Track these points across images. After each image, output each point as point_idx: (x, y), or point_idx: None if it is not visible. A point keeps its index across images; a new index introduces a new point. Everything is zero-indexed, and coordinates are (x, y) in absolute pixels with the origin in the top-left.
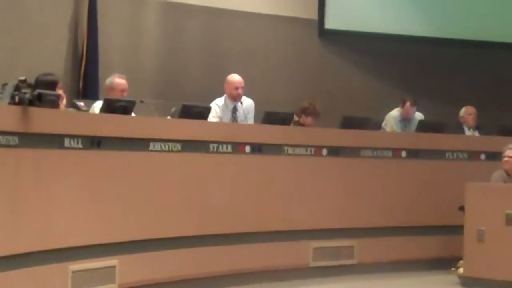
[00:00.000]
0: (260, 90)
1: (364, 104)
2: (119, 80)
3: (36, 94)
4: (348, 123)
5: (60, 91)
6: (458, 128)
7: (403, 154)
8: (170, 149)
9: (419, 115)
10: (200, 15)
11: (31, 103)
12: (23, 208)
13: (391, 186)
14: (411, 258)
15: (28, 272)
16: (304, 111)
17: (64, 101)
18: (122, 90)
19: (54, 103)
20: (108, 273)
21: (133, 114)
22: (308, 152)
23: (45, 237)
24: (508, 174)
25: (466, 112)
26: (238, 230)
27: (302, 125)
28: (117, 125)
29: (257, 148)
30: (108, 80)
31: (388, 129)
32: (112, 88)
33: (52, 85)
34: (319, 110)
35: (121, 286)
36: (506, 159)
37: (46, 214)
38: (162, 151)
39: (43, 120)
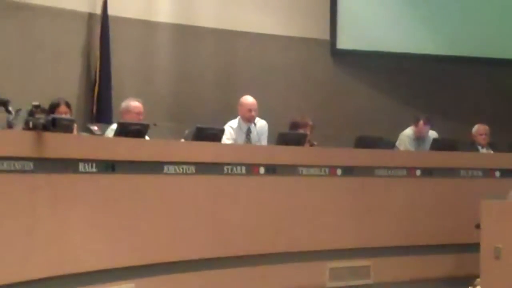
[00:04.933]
0: (273, 111)
1: (378, 124)
2: (134, 103)
3: (50, 119)
4: (362, 142)
5: (64, 113)
6: (471, 145)
7: (418, 173)
8: (184, 171)
9: (433, 134)
10: (212, 37)
11: (45, 128)
12: (38, 234)
13: (406, 205)
14: (427, 277)
15: None
16: (296, 126)
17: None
18: (138, 113)
19: (68, 128)
20: None
21: (147, 137)
22: (323, 172)
23: (61, 262)
24: None
25: (477, 132)
26: (253, 252)
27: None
28: (131, 149)
29: (272, 169)
30: (124, 104)
31: (402, 148)
32: (128, 111)
33: (52, 108)
34: (311, 122)
35: None
36: None
37: (62, 239)
38: (176, 173)
39: (57, 145)
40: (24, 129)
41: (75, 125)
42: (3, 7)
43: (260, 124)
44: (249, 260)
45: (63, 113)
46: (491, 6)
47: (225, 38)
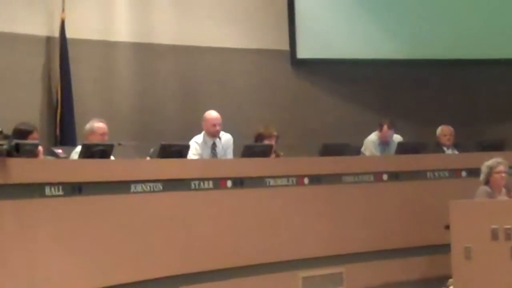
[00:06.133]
0: (237, 124)
1: (342, 131)
2: (99, 125)
3: (14, 144)
4: (328, 150)
5: (36, 139)
6: (437, 147)
7: (385, 177)
8: (151, 189)
9: (397, 138)
10: (171, 54)
11: (9, 154)
12: (7, 261)
13: (374, 210)
14: (400, 280)
15: None
16: (261, 137)
17: (40, 148)
18: (103, 134)
19: (32, 153)
20: None
21: (112, 158)
22: (290, 182)
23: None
24: (498, 190)
25: (442, 133)
26: (225, 266)
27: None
28: (97, 170)
29: (239, 182)
30: (88, 125)
31: (367, 153)
32: (92, 132)
33: (25, 134)
34: (275, 132)
35: None
36: (502, 174)
37: (31, 265)
38: (143, 192)
39: (22, 170)
40: None
41: (40, 149)
42: None
43: (225, 137)
44: (221, 274)
45: (36, 140)
46: (447, 8)
47: (185, 54)
